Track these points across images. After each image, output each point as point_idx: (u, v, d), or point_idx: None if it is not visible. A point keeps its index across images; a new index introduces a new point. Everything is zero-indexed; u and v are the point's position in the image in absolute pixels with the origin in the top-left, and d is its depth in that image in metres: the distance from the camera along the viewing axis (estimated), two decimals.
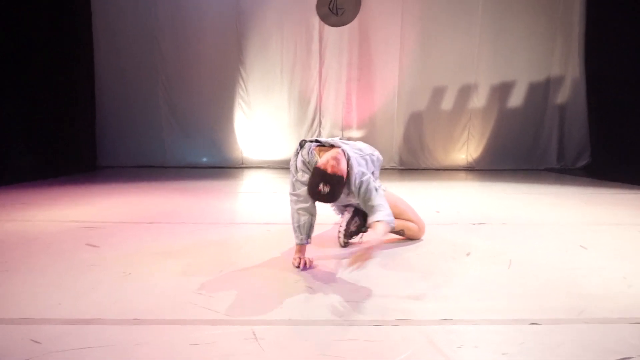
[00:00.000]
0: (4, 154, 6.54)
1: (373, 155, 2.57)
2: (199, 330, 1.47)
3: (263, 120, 7.61)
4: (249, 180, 6.31)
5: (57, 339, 1.40)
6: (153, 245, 2.54)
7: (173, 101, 7.58)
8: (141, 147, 7.61)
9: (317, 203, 2.21)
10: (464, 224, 3.20)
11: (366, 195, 2.15)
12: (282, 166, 7.64)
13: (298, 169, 2.30)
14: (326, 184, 2.01)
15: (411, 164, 7.79)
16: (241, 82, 7.54)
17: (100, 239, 2.65)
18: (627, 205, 3.97)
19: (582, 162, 7.87)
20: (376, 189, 2.19)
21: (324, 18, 7.28)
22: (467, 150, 7.88)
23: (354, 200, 2.38)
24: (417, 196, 4.60)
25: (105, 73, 7.46)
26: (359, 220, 2.57)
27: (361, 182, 2.17)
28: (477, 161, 7.85)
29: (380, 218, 2.06)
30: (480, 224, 3.20)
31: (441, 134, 7.78)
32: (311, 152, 2.28)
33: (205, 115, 7.61)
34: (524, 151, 7.85)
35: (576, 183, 5.79)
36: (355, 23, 7.33)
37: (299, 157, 2.31)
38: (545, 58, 7.65)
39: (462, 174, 7.27)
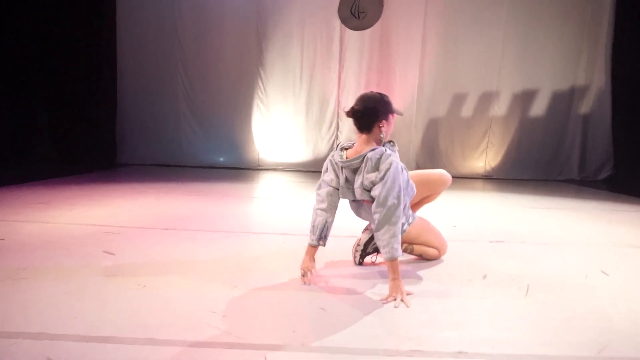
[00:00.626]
0: (28, 150, 6.71)
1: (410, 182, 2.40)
2: (212, 354, 1.47)
3: (281, 122, 7.63)
4: (265, 183, 6.33)
5: (72, 358, 1.41)
6: (168, 255, 2.55)
7: (192, 101, 7.65)
8: (160, 146, 7.71)
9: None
10: (482, 241, 3.15)
11: (386, 201, 2.00)
12: (298, 169, 7.66)
13: (327, 168, 2.28)
14: (359, 101, 2.13)
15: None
16: (260, 84, 7.57)
17: (117, 245, 2.68)
18: None
19: (604, 175, 7.69)
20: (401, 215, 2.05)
21: (346, 21, 7.25)
22: (485, 159, 7.78)
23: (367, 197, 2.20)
24: (434, 207, 4.53)
25: (127, 72, 7.57)
26: None
27: (389, 166, 2.01)
28: (496, 170, 7.74)
29: (386, 257, 2.01)
30: (499, 242, 3.14)
31: (460, 140, 7.69)
32: (339, 150, 2.24)
33: (224, 116, 7.67)
34: (544, 161, 7.72)
35: (597, 197, 5.65)
36: (376, 27, 7.29)
37: (329, 158, 2.28)
38: (570, 66, 7.51)
39: (480, 183, 7.18)
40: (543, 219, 4.10)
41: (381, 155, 2.07)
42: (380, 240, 2.03)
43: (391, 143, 2.27)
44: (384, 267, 2.32)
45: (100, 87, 7.48)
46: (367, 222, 2.58)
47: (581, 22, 7.38)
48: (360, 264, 2.52)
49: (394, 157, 2.09)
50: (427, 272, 2.44)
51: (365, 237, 2.52)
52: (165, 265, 2.36)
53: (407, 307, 1.92)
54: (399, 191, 2.05)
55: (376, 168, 2.06)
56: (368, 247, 2.51)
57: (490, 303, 2.02)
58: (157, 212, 3.79)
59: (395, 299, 1.96)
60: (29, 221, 3.19)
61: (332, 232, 2.33)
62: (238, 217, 3.78)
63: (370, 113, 2.15)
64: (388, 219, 2.03)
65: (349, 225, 3.00)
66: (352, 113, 2.17)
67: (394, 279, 2.02)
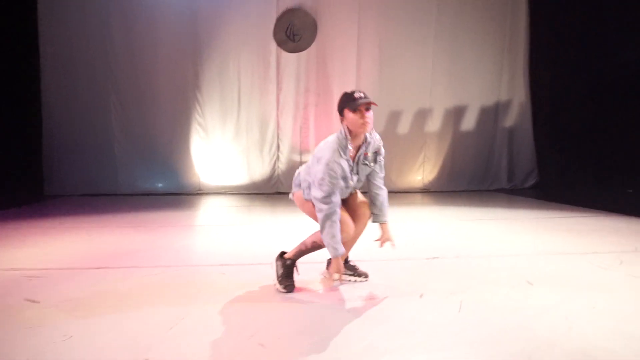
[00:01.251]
0: None
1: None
2: None
3: (221, 146, 7.53)
4: (206, 209, 6.19)
5: None
6: (99, 298, 2.42)
7: (126, 126, 7.38)
8: (92, 174, 7.34)
9: None
10: (418, 258, 3.26)
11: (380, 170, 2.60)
12: (241, 192, 7.58)
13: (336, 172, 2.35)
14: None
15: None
16: (198, 107, 7.45)
17: (42, 291, 2.50)
18: (573, 231, 4.17)
19: (530, 182, 8.25)
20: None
21: (281, 44, 7.34)
22: (422, 173, 8.09)
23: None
24: (373, 225, 4.64)
25: (53, 94, 7.17)
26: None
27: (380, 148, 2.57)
28: (433, 183, 8.07)
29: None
30: (434, 258, 3.27)
31: (397, 156, 7.93)
32: (341, 132, 2.42)
33: (161, 140, 7.45)
34: (477, 173, 8.15)
35: (526, 205, 6.04)
36: (312, 49, 7.43)
37: (333, 160, 2.35)
38: (494, 83, 8.04)
39: (418, 197, 7.44)
40: (476, 231, 4.31)
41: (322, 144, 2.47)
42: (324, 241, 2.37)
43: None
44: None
45: (24, 113, 7.02)
46: None
47: (501, 43, 7.94)
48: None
49: (324, 147, 2.40)
50: (364, 292, 2.49)
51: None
52: (95, 309, 2.23)
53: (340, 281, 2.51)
54: (317, 183, 2.36)
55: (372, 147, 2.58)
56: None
57: (427, 322, 2.09)
58: (88, 249, 3.58)
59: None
60: None
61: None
62: (176, 249, 3.66)
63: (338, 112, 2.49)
64: (322, 222, 2.34)
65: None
66: None
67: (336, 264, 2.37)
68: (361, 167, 2.52)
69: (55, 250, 3.53)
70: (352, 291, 2.54)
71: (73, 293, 2.48)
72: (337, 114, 2.49)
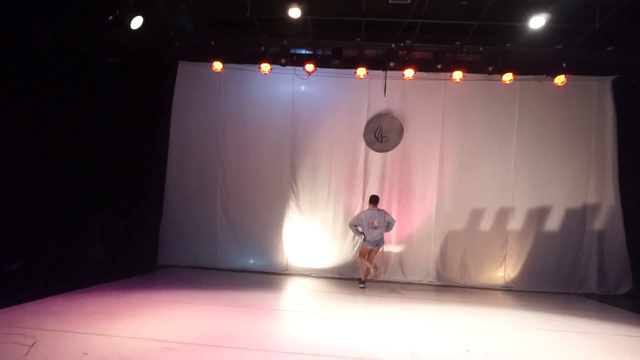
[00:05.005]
0: (78, 253, 7.42)
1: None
2: None
3: (309, 232, 8.28)
4: (296, 292, 6.80)
5: None
6: None
7: (228, 210, 8.44)
8: (196, 250, 8.37)
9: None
10: None
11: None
12: (325, 275, 8.13)
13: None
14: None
15: (448, 280, 8.07)
16: (292, 196, 8.36)
17: None
18: None
19: (624, 289, 7.86)
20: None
21: (370, 144, 8.17)
22: (504, 270, 8.11)
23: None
24: (450, 325, 4.91)
25: (174, 180, 8.48)
26: None
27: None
28: (515, 281, 8.03)
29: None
30: None
31: (478, 253, 8.11)
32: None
33: (257, 223, 8.38)
34: (562, 275, 8.00)
35: (614, 318, 5.84)
36: (397, 149, 8.17)
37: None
38: (580, 187, 8.05)
39: (499, 295, 7.45)
40: (555, 345, 4.37)
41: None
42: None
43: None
44: None
45: (150, 195, 8.38)
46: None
47: (587, 147, 8.05)
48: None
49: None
50: None
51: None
52: None
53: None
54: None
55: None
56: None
57: None
58: (202, 325, 4.30)
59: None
60: (99, 334, 3.75)
61: None
62: (272, 334, 4.24)
63: None
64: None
65: None
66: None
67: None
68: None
69: (178, 324, 4.29)
70: None
71: None
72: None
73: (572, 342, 4.55)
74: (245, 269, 8.28)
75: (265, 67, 7.82)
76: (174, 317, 4.56)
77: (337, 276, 8.09)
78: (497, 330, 4.91)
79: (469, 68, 7.71)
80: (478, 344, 4.20)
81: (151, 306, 4.95)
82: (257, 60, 7.85)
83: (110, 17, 6.11)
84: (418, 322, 5.04)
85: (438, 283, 8.04)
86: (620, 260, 7.92)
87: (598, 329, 5.21)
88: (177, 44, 7.92)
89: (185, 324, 4.30)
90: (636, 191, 7.88)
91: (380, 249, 7.48)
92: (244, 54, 8.13)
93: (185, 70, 8.48)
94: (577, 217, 8.05)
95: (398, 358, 3.60)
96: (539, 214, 8.09)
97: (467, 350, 3.95)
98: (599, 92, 8.01)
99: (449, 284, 8.02)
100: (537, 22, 6.10)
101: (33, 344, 3.35)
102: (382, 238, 7.28)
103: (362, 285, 7.33)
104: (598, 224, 8.06)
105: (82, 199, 7.44)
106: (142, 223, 8.25)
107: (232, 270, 8.20)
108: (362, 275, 7.52)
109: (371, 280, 7.42)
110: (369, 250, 7.32)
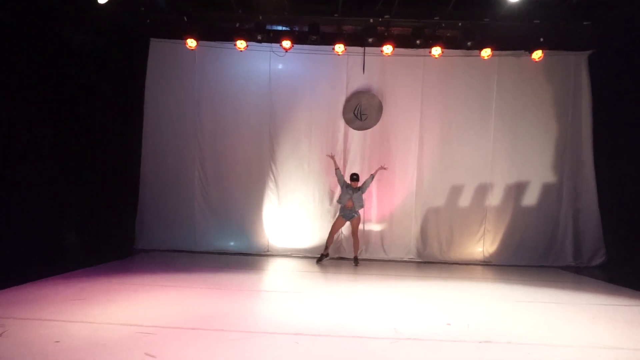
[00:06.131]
0: (58, 242, 7.20)
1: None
2: None
3: (289, 212, 8.22)
4: (276, 273, 6.75)
5: None
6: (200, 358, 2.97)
7: (207, 192, 8.29)
8: (175, 233, 8.22)
9: None
10: (471, 341, 3.53)
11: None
12: (306, 254, 8.10)
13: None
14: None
15: (428, 256, 8.14)
16: (272, 176, 8.25)
17: (155, 347, 3.10)
18: (636, 323, 4.21)
19: (598, 260, 8.07)
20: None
21: (349, 122, 8.08)
22: (483, 245, 8.22)
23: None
24: (433, 300, 4.95)
25: (150, 163, 8.25)
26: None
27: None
28: (493, 256, 8.16)
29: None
30: (487, 342, 3.52)
31: (458, 228, 8.20)
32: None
33: (236, 204, 8.27)
34: (540, 248, 8.15)
35: (590, 289, 5.99)
36: (377, 127, 8.10)
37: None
38: (557, 162, 8.15)
39: (479, 270, 7.57)
40: (535, 316, 4.43)
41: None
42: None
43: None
44: None
45: (126, 179, 8.16)
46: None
47: (564, 122, 8.12)
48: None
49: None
50: None
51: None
52: None
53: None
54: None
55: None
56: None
57: None
58: (180, 309, 4.21)
59: None
60: (74, 321, 3.63)
61: None
62: (253, 314, 4.20)
63: None
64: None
65: None
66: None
67: None
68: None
69: (157, 308, 4.20)
70: None
71: (180, 351, 3.05)
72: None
73: (553, 312, 4.63)
74: (226, 251, 8.19)
75: (240, 44, 7.59)
76: (152, 301, 4.46)
77: (318, 256, 8.07)
78: (477, 304, 4.96)
79: (447, 44, 7.64)
80: (459, 318, 4.23)
81: (128, 291, 4.83)
82: (232, 36, 7.60)
83: None
84: (399, 298, 5.06)
85: (419, 260, 8.12)
86: (595, 233, 8.11)
87: (576, 299, 5.32)
88: (149, 21, 7.62)
89: (162, 308, 4.21)
90: (610, 166, 8.01)
91: (361, 226, 7.54)
92: (219, 31, 7.88)
93: (157, 48, 8.20)
94: (554, 193, 8.18)
95: (380, 334, 3.60)
96: (517, 190, 8.20)
97: (449, 324, 3.98)
98: (575, 67, 8.06)
99: (430, 260, 8.11)
100: None
101: (1, 334, 3.22)
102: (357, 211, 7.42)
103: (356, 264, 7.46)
104: (574, 198, 8.20)
105: (56, 184, 7.16)
106: (119, 207, 8.06)
107: (212, 252, 8.10)
108: (353, 252, 7.60)
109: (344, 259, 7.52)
110: (344, 223, 7.48)
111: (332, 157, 7.50)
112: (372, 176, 7.48)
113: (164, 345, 3.17)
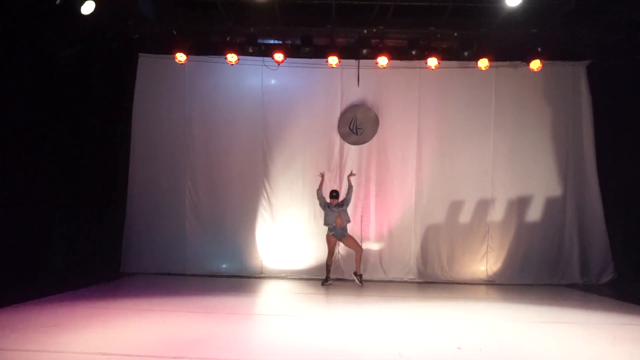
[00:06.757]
0: (36, 264, 6.78)
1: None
2: None
3: (283, 232, 7.84)
4: (270, 296, 6.36)
5: None
6: None
7: (199, 211, 7.92)
8: (164, 255, 7.80)
9: None
10: None
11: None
12: (301, 276, 7.70)
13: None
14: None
15: (430, 276, 7.76)
16: (265, 194, 7.91)
17: None
18: None
19: (606, 278, 7.71)
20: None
21: (345, 137, 7.80)
22: (486, 263, 7.86)
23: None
24: (439, 322, 4.57)
25: (137, 180, 7.88)
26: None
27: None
28: (497, 275, 7.79)
29: None
30: None
31: (459, 246, 7.84)
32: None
33: (228, 224, 7.90)
34: (545, 265, 7.79)
35: (602, 308, 5.65)
36: (373, 141, 7.82)
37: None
38: (559, 175, 7.86)
39: (483, 290, 7.20)
40: (548, 337, 4.10)
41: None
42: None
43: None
44: None
45: (112, 197, 7.79)
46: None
47: (564, 135, 7.87)
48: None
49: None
50: None
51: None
52: None
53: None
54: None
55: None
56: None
57: None
58: (163, 335, 3.81)
59: None
60: (42, 350, 3.23)
61: None
62: (244, 340, 3.80)
63: None
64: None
65: None
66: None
67: None
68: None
69: (135, 335, 3.79)
70: None
71: None
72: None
73: (569, 333, 4.27)
74: (218, 274, 7.77)
75: (231, 57, 7.34)
76: (131, 326, 4.05)
77: (315, 277, 7.67)
78: (487, 325, 4.59)
79: (444, 54, 7.41)
80: (469, 340, 3.86)
81: (106, 316, 4.42)
82: (223, 50, 7.37)
83: (57, 0, 5.55)
84: (402, 320, 4.68)
85: (420, 280, 7.72)
86: (602, 248, 7.76)
87: (589, 319, 4.97)
88: (137, 35, 7.41)
89: (142, 334, 3.81)
90: (614, 178, 7.76)
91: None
92: (209, 44, 7.64)
93: (146, 63, 7.94)
94: (558, 207, 7.87)
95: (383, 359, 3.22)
96: (519, 204, 7.88)
97: (459, 348, 3.60)
98: (574, 77, 7.85)
99: (431, 280, 7.71)
100: (513, 0, 5.86)
101: None
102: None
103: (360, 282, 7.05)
104: (578, 212, 7.88)
105: (39, 203, 6.79)
106: (104, 227, 7.67)
107: (203, 275, 7.67)
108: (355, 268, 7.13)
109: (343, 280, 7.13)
110: (336, 241, 7.12)
111: (322, 176, 7.23)
112: (351, 187, 7.18)
113: None
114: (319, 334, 4.01)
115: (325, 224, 7.11)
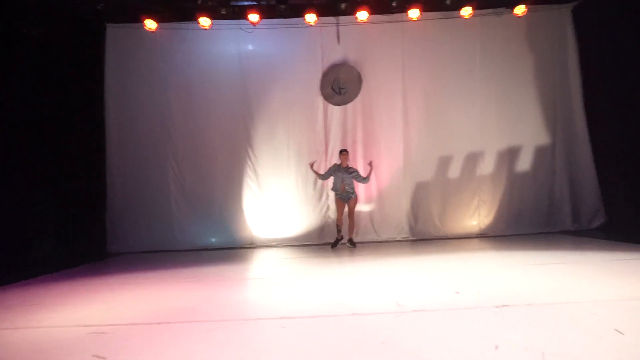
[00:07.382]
0: (22, 248, 6.52)
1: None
2: None
3: (271, 200, 7.66)
4: (260, 262, 6.20)
5: None
6: (163, 354, 2.42)
7: (183, 186, 7.69)
8: (150, 232, 7.59)
9: None
10: (487, 307, 3.05)
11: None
12: (292, 243, 7.57)
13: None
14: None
15: (422, 234, 7.67)
16: (250, 164, 7.68)
17: (108, 347, 2.54)
18: None
19: (597, 222, 7.69)
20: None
21: (328, 98, 7.55)
22: (478, 217, 7.78)
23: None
24: (435, 271, 4.46)
25: (116, 158, 7.60)
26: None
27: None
28: (490, 227, 7.74)
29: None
30: (504, 306, 3.05)
31: (450, 202, 7.74)
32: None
33: (215, 197, 7.69)
34: (536, 215, 7.74)
35: (595, 247, 5.62)
36: (358, 101, 7.59)
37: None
38: (548, 123, 7.76)
39: (476, 242, 7.12)
40: (546, 277, 4.01)
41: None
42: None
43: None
44: None
45: (89, 175, 7.49)
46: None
47: (551, 79, 7.69)
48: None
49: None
50: (441, 349, 2.33)
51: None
52: None
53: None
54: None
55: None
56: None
57: None
58: (150, 305, 3.64)
59: None
60: (16, 328, 3.04)
61: None
62: (234, 303, 3.64)
63: None
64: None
65: None
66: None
67: None
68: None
69: (119, 306, 3.61)
70: (412, 340, 2.39)
71: (137, 349, 2.49)
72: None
73: (567, 272, 4.18)
74: (208, 247, 7.59)
75: (204, 21, 7.02)
76: (115, 300, 3.86)
77: (306, 243, 7.54)
78: (483, 271, 4.49)
79: (426, 4, 7.14)
80: (466, 285, 3.75)
81: (89, 292, 4.23)
82: (194, 15, 7.01)
83: None
84: (398, 274, 4.56)
85: (412, 238, 7.63)
86: (592, 194, 7.71)
87: (581, 258, 4.91)
88: (102, 5, 6.99)
89: (125, 306, 3.62)
90: (603, 123, 7.64)
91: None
92: (180, 9, 7.25)
93: (115, 34, 7.56)
94: (547, 155, 7.78)
95: (381, 310, 3.09)
96: (509, 155, 7.77)
97: (457, 293, 3.48)
98: (560, 21, 7.64)
99: (424, 237, 7.63)
100: None
101: None
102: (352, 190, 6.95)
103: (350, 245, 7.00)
104: (568, 159, 7.82)
105: (13, 185, 6.49)
106: (87, 209, 7.40)
107: (194, 250, 7.49)
108: (348, 234, 7.08)
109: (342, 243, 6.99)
110: (344, 204, 6.97)
111: (312, 166, 6.97)
112: (368, 177, 6.96)
113: (120, 343, 2.61)
114: (315, 292, 3.87)
115: (333, 189, 7.00)
